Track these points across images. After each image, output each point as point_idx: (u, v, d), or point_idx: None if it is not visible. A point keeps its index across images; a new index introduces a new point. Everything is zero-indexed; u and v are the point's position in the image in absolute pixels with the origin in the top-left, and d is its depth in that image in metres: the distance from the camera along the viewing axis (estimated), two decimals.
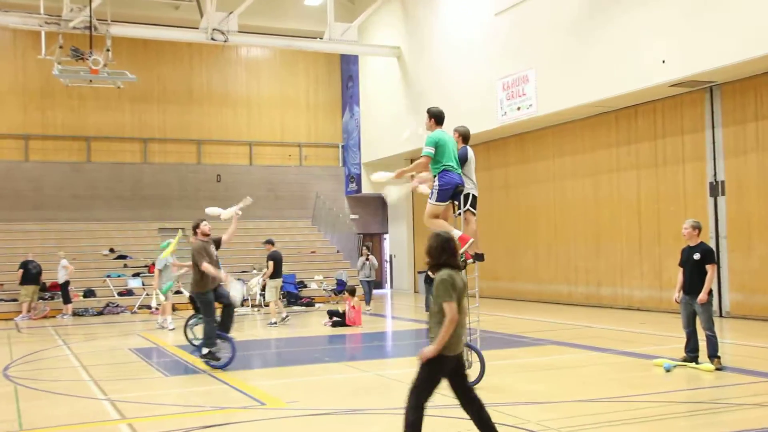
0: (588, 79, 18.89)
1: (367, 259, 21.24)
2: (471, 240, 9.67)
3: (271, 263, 18.04)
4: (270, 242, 18.46)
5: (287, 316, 18.69)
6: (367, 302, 21.25)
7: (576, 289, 21.66)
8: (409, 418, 5.74)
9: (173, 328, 17.53)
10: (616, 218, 20.21)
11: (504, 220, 24.73)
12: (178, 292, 20.37)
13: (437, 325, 5.81)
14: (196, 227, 11.70)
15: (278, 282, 18.35)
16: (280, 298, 18.88)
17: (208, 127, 30.78)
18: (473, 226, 10.35)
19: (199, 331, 13.30)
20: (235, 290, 11.94)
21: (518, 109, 21.34)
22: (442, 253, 5.94)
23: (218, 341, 11.36)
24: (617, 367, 10.92)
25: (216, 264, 11.57)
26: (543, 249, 23.04)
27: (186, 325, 14.26)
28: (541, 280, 23.10)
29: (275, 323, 18.24)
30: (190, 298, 12.87)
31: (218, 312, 11.50)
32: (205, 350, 11.28)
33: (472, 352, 9.79)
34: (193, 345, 13.29)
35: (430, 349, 5.76)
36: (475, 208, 10.42)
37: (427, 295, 20.86)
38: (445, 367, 5.80)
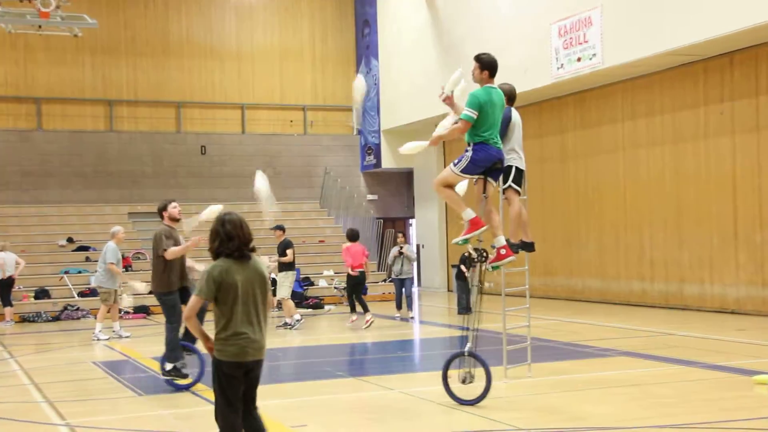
0: (669, 20, 18.67)
1: (401, 251, 20.49)
2: (482, 228, 9.67)
3: (290, 251, 18.61)
4: (281, 228, 19.06)
5: (301, 318, 18.91)
6: (398, 306, 20.59)
7: (652, 286, 21.52)
8: None
9: (128, 336, 17.96)
10: (704, 197, 20.03)
11: (560, 201, 24.58)
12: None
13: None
14: (162, 209, 11.63)
15: (293, 275, 19.03)
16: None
17: (189, 86, 30.79)
18: (517, 206, 10.31)
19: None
20: None
21: (578, 60, 21.18)
22: (215, 239, 6.31)
23: (184, 354, 11.26)
24: (706, 385, 10.82)
25: (182, 265, 11.39)
26: (609, 237, 22.90)
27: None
28: (608, 275, 22.98)
29: (291, 325, 18.68)
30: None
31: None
32: (168, 365, 11.16)
33: (477, 363, 9.76)
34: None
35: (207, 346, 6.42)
36: (520, 185, 10.36)
37: (460, 294, 20.85)
38: (227, 374, 6.26)
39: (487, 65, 9.72)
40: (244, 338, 6.26)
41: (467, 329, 10.03)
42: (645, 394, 10.28)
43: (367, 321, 18.25)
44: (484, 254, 10.00)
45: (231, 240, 6.28)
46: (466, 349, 9.81)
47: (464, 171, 9.62)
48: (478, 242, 10.02)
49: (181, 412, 9.95)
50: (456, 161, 9.66)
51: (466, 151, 9.62)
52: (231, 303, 6.23)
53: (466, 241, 9.78)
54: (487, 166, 9.64)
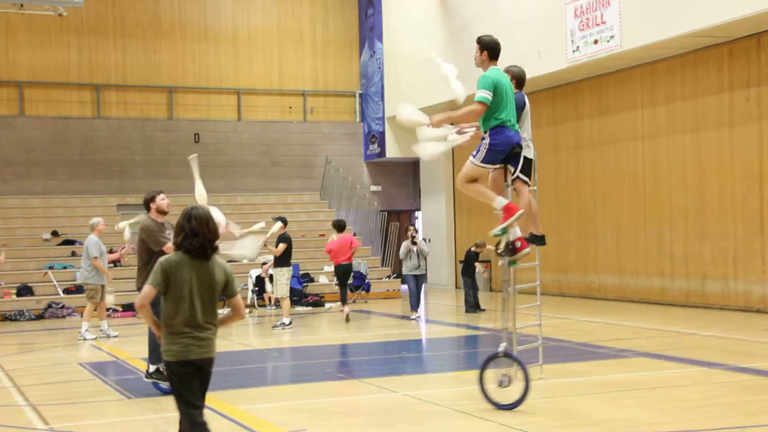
0: None
1: (414, 243, 20.00)
2: (520, 212, 9.58)
3: (282, 245, 18.64)
4: (283, 221, 19.03)
5: (290, 323, 18.83)
6: (413, 307, 20.12)
7: (672, 283, 21.52)
8: None
9: (116, 335, 17.92)
10: (729, 188, 20.01)
11: (575, 193, 24.57)
12: None
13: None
14: (149, 201, 11.60)
15: (290, 271, 19.20)
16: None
17: (182, 70, 30.78)
18: (526, 197, 10.29)
19: None
20: (244, 249, 11.63)
21: (595, 42, 21.16)
22: (179, 234, 6.54)
23: None
24: (730, 388, 10.80)
25: None
26: (627, 230, 22.89)
27: None
28: (625, 271, 22.98)
29: (290, 324, 18.70)
30: None
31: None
32: (151, 367, 11.15)
33: (515, 364, 9.71)
34: None
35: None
36: (528, 176, 10.34)
37: (467, 291, 20.85)
38: (177, 373, 6.47)
39: (486, 46, 9.75)
40: (188, 336, 6.46)
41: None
42: (664, 398, 10.28)
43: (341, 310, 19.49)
44: (512, 247, 9.89)
45: (195, 236, 6.49)
46: (502, 349, 9.71)
47: (485, 161, 9.57)
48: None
49: (171, 417, 9.91)
50: (474, 152, 9.64)
51: (483, 139, 9.60)
52: (177, 300, 6.45)
53: (504, 230, 9.65)
54: (507, 151, 9.60)
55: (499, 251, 9.98)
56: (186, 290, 6.44)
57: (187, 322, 6.45)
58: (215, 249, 6.58)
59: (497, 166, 9.88)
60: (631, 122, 22.71)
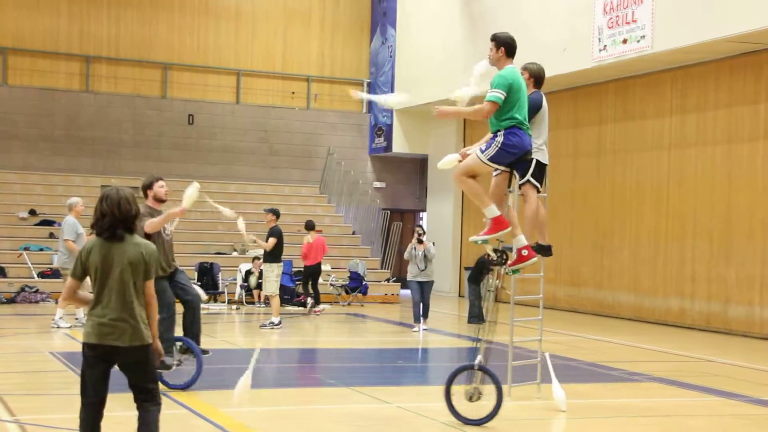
0: (732, 0, 18.60)
1: (420, 242, 19.19)
2: (506, 229, 9.70)
3: (272, 240, 18.70)
4: (274, 213, 19.14)
5: (279, 323, 18.82)
6: (417, 317, 19.24)
7: (692, 305, 21.48)
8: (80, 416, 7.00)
9: (70, 327, 17.66)
10: (759, 207, 19.96)
11: (592, 201, 24.53)
12: None
13: None
14: (147, 187, 11.59)
15: (280, 268, 19.21)
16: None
17: (178, 46, 30.78)
18: (534, 204, 10.34)
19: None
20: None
21: (624, 42, 21.12)
22: (94, 215, 6.93)
23: (176, 347, 11.33)
24: (749, 421, 10.77)
25: (170, 248, 11.54)
26: (647, 246, 22.85)
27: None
28: (642, 289, 22.94)
29: (279, 324, 18.66)
30: None
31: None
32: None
33: (487, 378, 9.75)
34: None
35: None
36: (540, 181, 10.37)
37: (472, 300, 20.65)
38: (84, 355, 6.90)
39: (503, 42, 9.86)
40: (99, 320, 6.79)
41: (478, 340, 10.00)
42: (676, 427, 10.27)
43: (310, 305, 21.71)
44: (505, 257, 10.00)
45: (103, 217, 6.84)
46: (476, 362, 9.78)
47: (493, 159, 9.62)
48: (498, 243, 10.02)
49: None
50: (483, 147, 9.66)
51: (495, 136, 9.62)
52: (95, 283, 6.86)
53: (485, 241, 9.77)
54: (519, 155, 9.67)
55: (491, 260, 10.07)
56: (98, 274, 6.80)
57: (101, 306, 6.80)
58: (130, 230, 6.86)
59: (502, 169, 9.94)
60: (657, 130, 22.66)
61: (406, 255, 19.58)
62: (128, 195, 6.93)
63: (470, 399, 9.76)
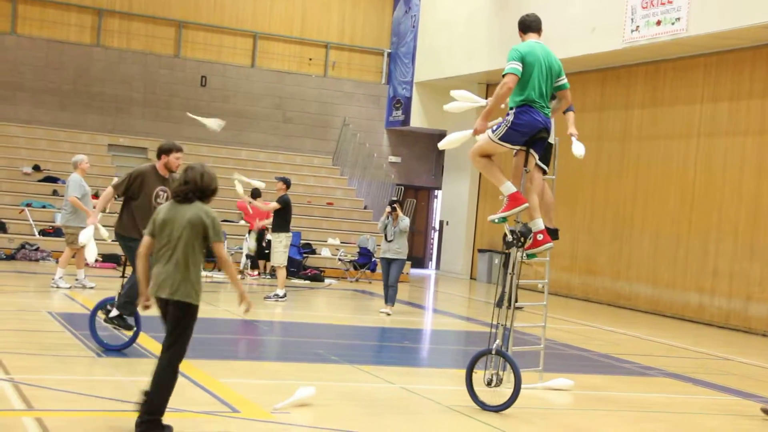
0: None
1: (393, 210, 17.87)
2: (523, 205, 9.80)
3: (275, 204, 18.76)
4: (285, 182, 19.07)
5: (285, 296, 18.84)
6: (386, 298, 18.15)
7: (712, 301, 21.46)
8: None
9: (93, 286, 17.90)
10: None
11: (614, 188, 24.49)
12: None
13: None
14: (164, 152, 11.44)
15: (288, 238, 19.19)
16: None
17: (194, 3, 30.73)
18: (539, 185, 10.38)
19: None
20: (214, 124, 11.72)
21: (658, 23, 21.05)
22: (176, 182, 7.89)
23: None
24: (763, 423, 10.71)
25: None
26: (668, 237, 22.82)
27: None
28: (661, 282, 22.93)
29: (284, 296, 18.71)
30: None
31: None
32: (114, 312, 11.33)
33: (504, 362, 9.82)
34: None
35: None
36: (547, 162, 10.41)
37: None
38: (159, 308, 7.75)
39: (519, 24, 10.26)
40: (155, 275, 7.64)
41: (496, 325, 9.99)
42: (689, 426, 10.26)
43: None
44: (522, 238, 10.00)
45: (186, 184, 7.69)
46: (494, 346, 9.77)
47: (503, 138, 9.74)
48: (515, 222, 10.03)
49: (141, 380, 9.96)
50: (495, 126, 9.77)
51: (507, 115, 9.71)
52: (158, 242, 7.67)
53: (503, 219, 9.82)
54: (531, 134, 9.75)
55: (507, 241, 10.09)
56: (163, 233, 7.68)
57: (159, 263, 7.71)
58: (200, 197, 7.72)
59: (518, 148, 10.01)
60: (687, 117, 22.59)
61: (379, 226, 18.45)
62: (212, 172, 7.81)
63: (489, 384, 9.75)
